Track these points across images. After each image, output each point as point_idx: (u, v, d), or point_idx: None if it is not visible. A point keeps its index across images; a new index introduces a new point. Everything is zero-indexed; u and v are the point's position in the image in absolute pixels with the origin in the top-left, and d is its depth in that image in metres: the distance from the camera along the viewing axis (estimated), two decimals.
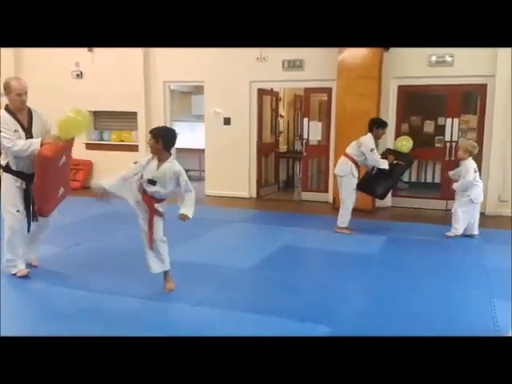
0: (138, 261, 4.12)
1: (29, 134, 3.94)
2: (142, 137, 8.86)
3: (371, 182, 6.00)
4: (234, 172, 8.47)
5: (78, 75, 8.98)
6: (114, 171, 9.08)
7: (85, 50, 8.68)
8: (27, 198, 4.02)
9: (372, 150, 5.74)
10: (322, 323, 3.25)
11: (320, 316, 3.40)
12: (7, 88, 3.95)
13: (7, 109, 3.96)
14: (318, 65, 7.66)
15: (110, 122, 9.39)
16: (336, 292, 3.93)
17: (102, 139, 9.28)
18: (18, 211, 3.99)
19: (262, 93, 8.51)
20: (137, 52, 8.41)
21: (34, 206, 4.04)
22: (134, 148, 8.99)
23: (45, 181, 3.88)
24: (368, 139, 5.80)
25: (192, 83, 9.15)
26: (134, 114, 8.90)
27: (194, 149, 10.72)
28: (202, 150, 10.52)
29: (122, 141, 9.16)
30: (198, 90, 10.74)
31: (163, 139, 3.59)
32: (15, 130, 3.88)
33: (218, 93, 8.36)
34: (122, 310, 3.50)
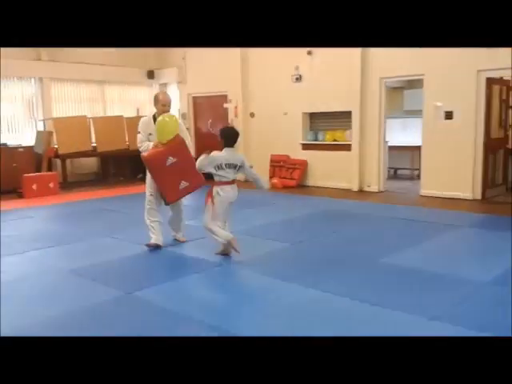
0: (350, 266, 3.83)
1: None
2: (355, 136, 8.64)
3: None
4: (454, 171, 7.59)
5: (297, 79, 9.18)
6: (327, 170, 9.10)
7: (304, 53, 8.85)
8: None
9: None
10: None
11: None
12: (156, 99, 4.82)
13: (153, 116, 4.81)
14: None
15: (324, 123, 9.38)
16: None
17: (316, 139, 9.34)
18: (151, 195, 4.87)
19: (490, 82, 7.43)
20: (355, 50, 8.20)
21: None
22: (346, 147, 8.80)
23: (155, 176, 4.71)
24: None
25: (410, 77, 8.51)
26: (348, 114, 8.71)
27: (405, 146, 10.08)
28: (415, 148, 9.83)
29: (336, 140, 9.06)
30: (411, 84, 10.04)
31: (223, 137, 4.32)
32: (150, 133, 4.74)
33: (440, 85, 7.57)
34: (348, 312, 3.29)
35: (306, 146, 9.41)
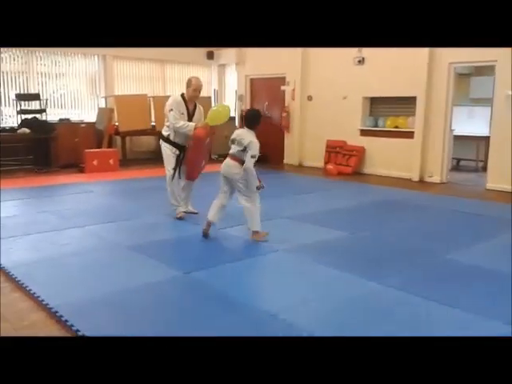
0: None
1: (190, 119, 5.01)
2: (419, 123, 8.20)
3: None
4: None
5: (359, 61, 8.80)
6: (386, 158, 8.70)
7: None
8: (177, 163, 5.11)
9: None
10: None
11: None
12: (189, 83, 5.01)
13: (182, 96, 5.01)
14: None
15: (385, 108, 8.96)
16: None
17: (376, 125, 8.96)
18: (173, 168, 5.10)
19: None
20: None
21: (181, 169, 5.15)
22: (408, 135, 8.37)
23: (197, 153, 5.00)
24: None
25: (482, 63, 7.92)
26: (412, 99, 8.28)
27: (470, 136, 9.51)
28: (481, 138, 9.27)
29: (397, 127, 8.65)
30: (479, 71, 9.40)
31: (245, 119, 4.45)
32: (182, 113, 4.94)
33: None
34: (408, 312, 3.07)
35: (364, 132, 9.06)
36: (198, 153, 5.01)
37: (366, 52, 8.69)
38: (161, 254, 4.05)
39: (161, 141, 5.19)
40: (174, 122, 4.89)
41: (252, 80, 11.04)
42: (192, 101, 5.03)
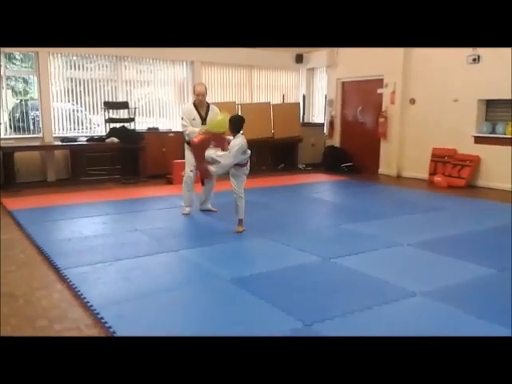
0: None
1: (204, 122, 5.29)
2: None
3: None
4: None
5: (474, 60, 7.62)
6: (507, 169, 7.39)
7: None
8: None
9: None
10: None
11: None
12: (194, 90, 5.46)
13: (194, 103, 5.41)
14: None
15: (505, 112, 7.67)
16: None
17: (494, 132, 7.70)
18: (191, 171, 5.52)
19: None
20: None
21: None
22: None
23: (200, 157, 5.13)
24: None
25: None
26: None
27: None
28: None
29: None
30: None
31: (233, 124, 4.70)
32: (193, 119, 5.29)
33: None
34: None
35: (479, 140, 7.82)
36: (197, 156, 5.29)
37: (483, 49, 7.48)
38: (275, 296, 3.28)
39: (185, 145, 5.54)
40: (183, 128, 5.36)
41: (344, 83, 10.13)
42: (202, 105, 5.34)
